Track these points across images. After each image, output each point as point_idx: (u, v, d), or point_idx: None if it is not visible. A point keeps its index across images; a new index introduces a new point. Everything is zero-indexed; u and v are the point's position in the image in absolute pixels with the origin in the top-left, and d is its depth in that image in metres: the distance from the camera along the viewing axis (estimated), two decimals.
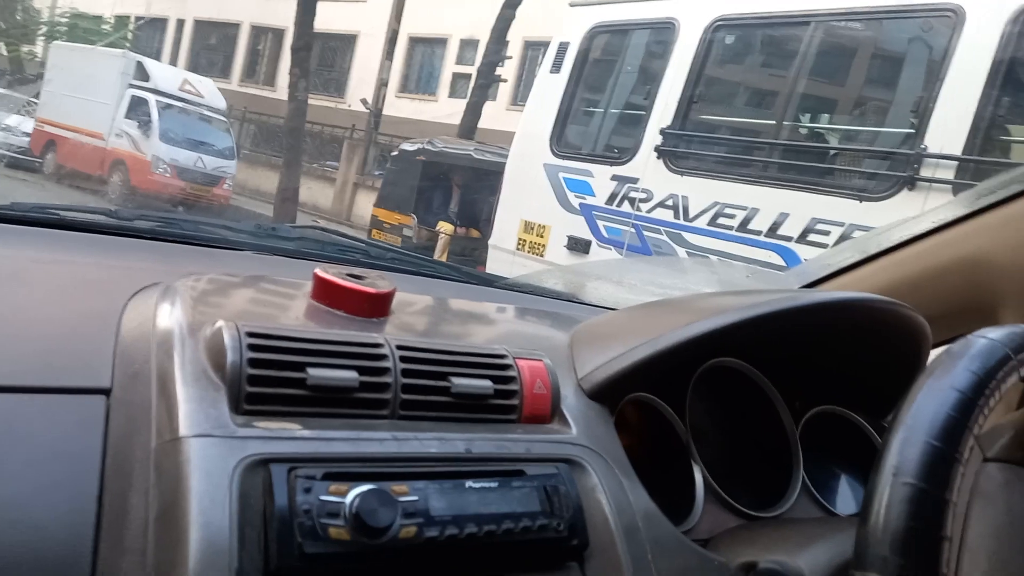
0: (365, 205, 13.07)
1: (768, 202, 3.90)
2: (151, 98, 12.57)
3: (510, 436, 0.68)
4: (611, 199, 4.59)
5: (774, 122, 4.28)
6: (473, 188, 8.38)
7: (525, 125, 5.32)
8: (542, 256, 4.90)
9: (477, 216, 8.22)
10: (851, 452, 0.98)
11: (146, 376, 0.60)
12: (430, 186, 8.42)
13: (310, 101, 11.99)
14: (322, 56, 20.95)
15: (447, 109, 16.56)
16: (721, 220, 4.07)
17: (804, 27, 4.11)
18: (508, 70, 16.44)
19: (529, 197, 5.09)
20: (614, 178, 4.60)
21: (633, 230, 4.45)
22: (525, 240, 5.07)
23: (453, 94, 18.82)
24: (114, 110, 12.71)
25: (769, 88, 4.58)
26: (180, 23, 25.51)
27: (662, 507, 0.72)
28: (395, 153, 9.09)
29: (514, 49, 17.14)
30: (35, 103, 14.67)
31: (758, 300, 0.87)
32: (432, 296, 1.01)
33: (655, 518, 0.70)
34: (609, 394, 0.78)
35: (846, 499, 0.95)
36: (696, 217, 4.18)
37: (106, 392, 0.60)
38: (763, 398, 0.93)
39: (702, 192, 4.17)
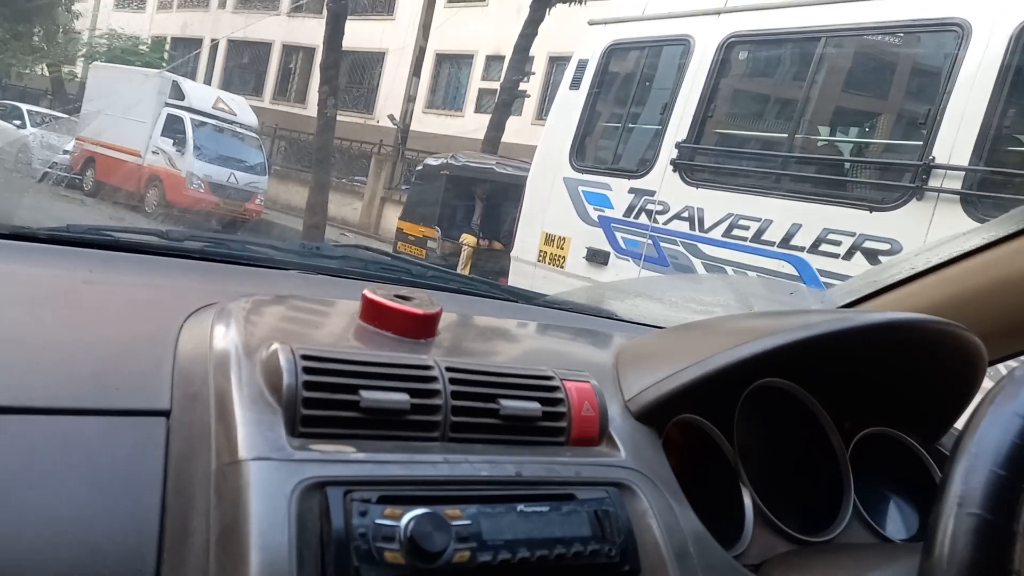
0: (392, 219, 13.28)
1: (781, 213, 3.96)
2: (186, 116, 12.93)
3: (559, 459, 0.67)
4: (629, 211, 4.70)
5: (786, 135, 4.36)
6: (496, 201, 8.52)
7: (546, 140, 5.44)
8: (562, 267, 5.03)
9: (499, 228, 8.35)
10: (903, 475, 0.96)
11: (205, 398, 0.61)
12: (453, 199, 8.57)
13: (339, 117, 12.25)
14: (351, 73, 21.34)
15: (473, 124, 16.78)
16: (736, 231, 4.14)
17: (814, 43, 4.19)
18: (532, 85, 16.62)
19: (550, 210, 5.21)
20: (631, 191, 4.72)
21: (650, 242, 4.55)
22: (546, 252, 5.19)
23: (479, 109, 19.03)
24: (150, 128, 13.09)
25: (781, 102, 4.66)
26: (214, 43, 26.17)
27: (711, 531, 0.71)
28: (420, 168, 9.28)
29: (539, 64, 17.32)
30: (76, 122, 15.17)
31: (808, 321, 0.86)
32: (476, 315, 1.02)
33: (706, 542, 0.69)
34: (657, 416, 0.77)
35: (898, 523, 0.94)
36: (711, 228, 4.26)
37: (166, 414, 0.61)
38: (812, 419, 0.92)
39: (717, 204, 4.26)
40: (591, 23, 5.37)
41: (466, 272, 7.93)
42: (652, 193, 4.58)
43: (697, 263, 4.30)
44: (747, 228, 4.09)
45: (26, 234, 0.90)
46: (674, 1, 4.88)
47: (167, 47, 25.59)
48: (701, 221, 4.31)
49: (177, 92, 13.49)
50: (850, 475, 0.89)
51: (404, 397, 0.62)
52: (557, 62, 18.27)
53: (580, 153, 5.12)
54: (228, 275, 0.98)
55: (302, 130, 17.59)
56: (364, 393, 0.61)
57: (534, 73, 14.47)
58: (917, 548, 0.57)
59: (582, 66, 5.19)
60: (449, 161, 8.65)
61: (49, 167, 14.03)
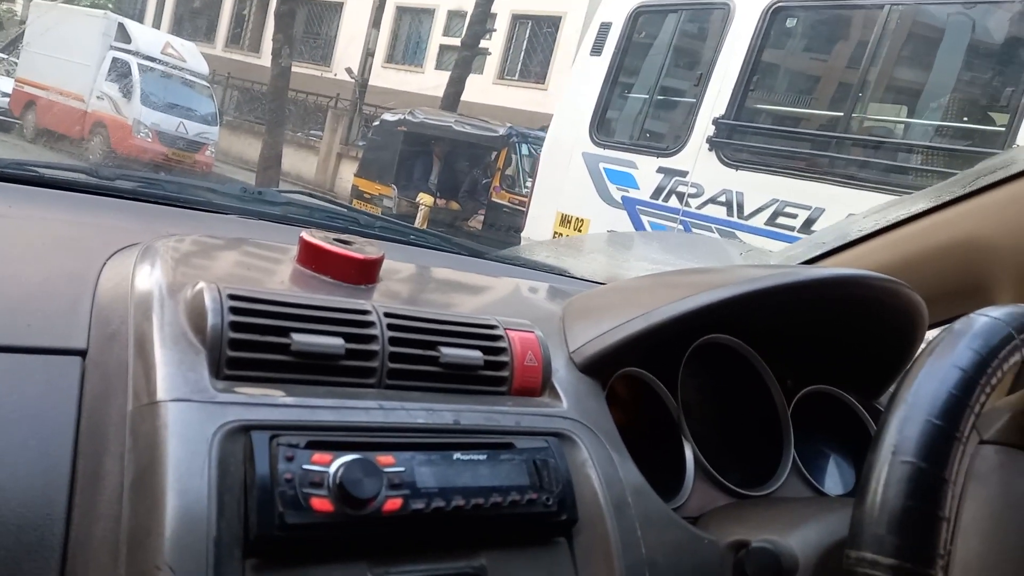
0: (349, 175, 13.02)
1: (834, 201, 3.58)
2: (133, 61, 12.42)
3: (499, 408, 0.66)
4: (657, 193, 4.31)
5: (842, 114, 3.97)
6: (453, 160, 8.43)
7: (562, 111, 5.02)
8: None
9: (457, 188, 8.28)
10: (842, 432, 0.97)
11: (123, 338, 0.58)
12: (411, 157, 8.46)
13: (295, 69, 11.91)
14: (308, 23, 20.70)
15: (433, 81, 16.47)
16: (781, 220, 3.77)
17: (877, 11, 3.80)
18: (495, 44, 16.35)
19: (566, 188, 4.80)
20: (660, 170, 4.32)
21: (680, 227, 4.17)
22: (561, 234, 4.78)
23: (440, 66, 18.68)
24: (95, 72, 12.54)
25: (836, 77, 4.26)
26: None
27: (652, 484, 0.71)
28: (376, 123, 9.11)
29: (502, 22, 17.03)
30: (15, 63, 14.44)
31: (755, 274, 0.86)
32: (421, 265, 0.99)
33: (645, 494, 0.69)
34: (601, 368, 0.76)
35: (836, 479, 0.95)
36: (752, 215, 3.89)
37: (82, 353, 0.58)
38: (755, 376, 0.92)
39: (760, 188, 3.88)
40: None
41: None
42: (684, 173, 4.20)
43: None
44: (794, 217, 3.73)
45: None
46: None
47: None
48: (741, 207, 3.94)
49: (124, 35, 12.91)
50: (791, 431, 0.90)
51: (338, 342, 0.60)
52: (520, 20, 18.00)
53: (601, 126, 4.72)
54: (161, 216, 0.93)
55: (256, 80, 17.06)
56: (296, 336, 0.58)
57: (496, 30, 14.23)
58: (851, 501, 0.57)
59: (605, 30, 4.77)
60: (407, 117, 8.51)
61: None
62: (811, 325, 0.93)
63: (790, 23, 4.20)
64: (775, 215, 3.81)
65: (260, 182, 11.48)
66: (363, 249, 0.74)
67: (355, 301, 0.65)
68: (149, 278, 0.62)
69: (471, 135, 8.13)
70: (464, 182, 8.27)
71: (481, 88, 15.49)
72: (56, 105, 12.61)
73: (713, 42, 4.30)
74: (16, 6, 21.59)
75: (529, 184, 7.84)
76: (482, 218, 7.79)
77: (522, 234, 5.15)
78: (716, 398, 0.93)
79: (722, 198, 4.03)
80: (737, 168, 4.02)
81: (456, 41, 15.93)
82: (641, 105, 4.85)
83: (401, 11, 19.79)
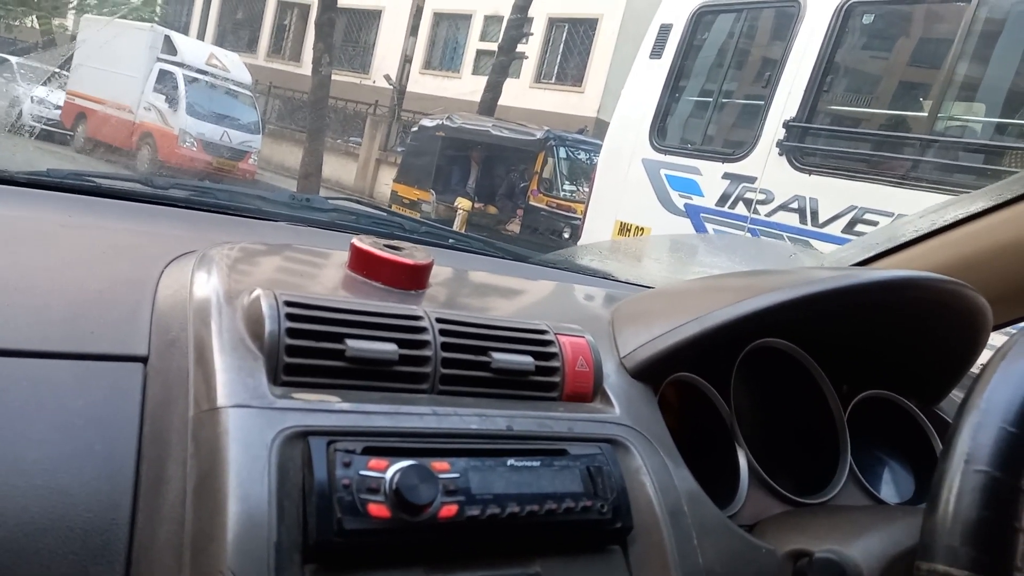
0: (388, 181, 13.17)
1: (918, 206, 3.02)
2: (178, 72, 12.73)
3: (552, 414, 0.66)
4: (723, 200, 4.11)
5: (925, 114, 3.74)
6: (491, 164, 8.46)
7: (620, 116, 4.84)
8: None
9: (495, 192, 8.30)
10: (900, 439, 0.94)
11: (183, 344, 0.59)
12: (449, 162, 8.51)
13: (334, 77, 12.08)
14: (347, 32, 20.98)
15: (471, 86, 16.56)
16: (860, 227, 3.54)
17: (962, 5, 3.56)
18: (532, 48, 16.37)
19: (625, 195, 4.61)
20: (726, 176, 4.12)
21: (749, 235, 3.96)
22: None
23: (477, 71, 18.78)
24: (142, 83, 12.88)
25: (918, 76, 4.05)
26: None
27: (706, 490, 0.70)
28: (415, 128, 9.18)
29: (538, 26, 17.03)
30: (66, 75, 14.92)
31: (811, 277, 0.84)
32: (469, 270, 1.00)
33: (701, 501, 0.68)
34: (652, 373, 0.75)
35: (894, 487, 0.93)
36: (828, 223, 3.66)
37: (143, 360, 0.59)
38: (810, 381, 0.90)
39: (836, 194, 3.66)
40: None
41: None
42: (752, 179, 3.99)
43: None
44: (875, 224, 3.47)
45: (3, 178, 0.88)
46: None
47: (159, 1, 25.04)
48: (815, 214, 3.72)
49: (169, 47, 13.25)
50: (847, 437, 0.87)
51: (392, 347, 0.60)
52: (556, 23, 18.00)
53: (662, 131, 4.53)
54: (213, 224, 0.95)
55: (297, 88, 17.34)
56: (350, 342, 0.59)
57: (532, 34, 14.24)
58: (914, 511, 0.56)
59: (665, 32, 4.57)
60: (444, 122, 8.56)
61: (39, 122, 13.85)
62: (868, 328, 0.90)
63: (866, 20, 3.97)
64: (854, 222, 3.60)
65: (301, 188, 11.67)
66: (412, 255, 0.75)
67: (407, 307, 0.65)
68: (206, 285, 0.63)
69: (508, 139, 8.15)
70: (502, 186, 8.29)
71: (518, 92, 15.53)
72: (105, 116, 12.99)
73: (782, 42, 4.09)
74: (67, 21, 22.31)
75: (566, 187, 7.82)
76: (520, 221, 7.79)
77: (579, 243, 4.90)
78: (769, 403, 0.91)
79: (794, 205, 3.83)
80: (810, 173, 3.81)
81: (493, 46, 15.99)
82: (705, 109, 4.66)
83: (438, 17, 19.94)
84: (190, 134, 12.39)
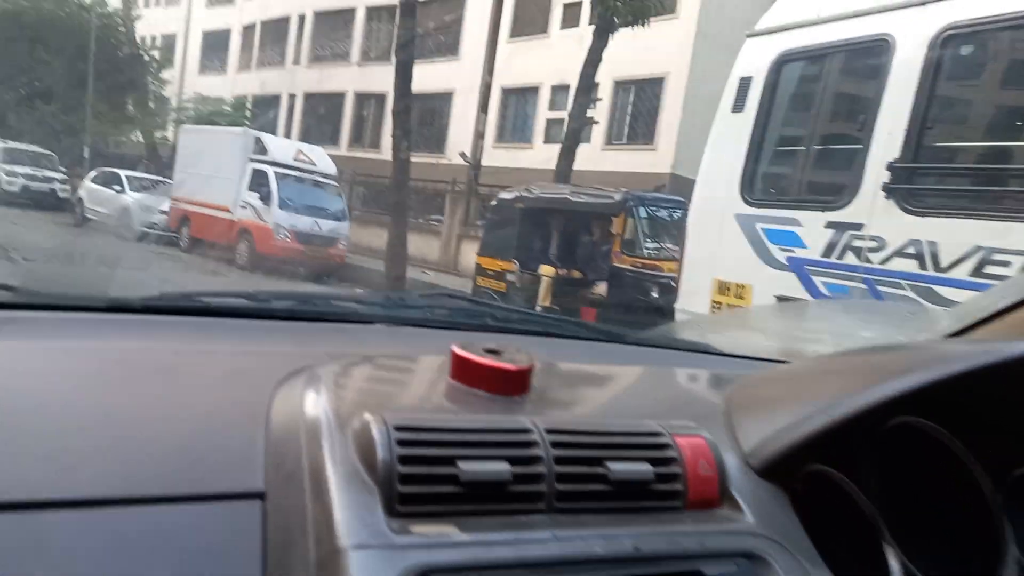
0: (469, 254, 13.49)
1: None
2: (269, 170, 13.53)
3: (680, 528, 0.62)
4: (828, 250, 3.89)
5: None
6: (572, 230, 8.53)
7: (706, 173, 4.70)
8: None
9: (577, 257, 8.34)
10: None
11: (299, 477, 0.59)
12: (530, 231, 8.62)
13: (412, 159, 12.57)
14: (421, 115, 21.90)
15: (543, 155, 16.91)
16: (990, 269, 3.29)
17: None
18: (600, 111, 16.64)
19: (720, 253, 4.45)
20: (830, 225, 3.91)
21: (864, 286, 3.73)
22: (721, 302, 4.40)
23: (548, 139, 19.18)
24: (238, 184, 13.76)
25: None
26: (291, 97, 27.45)
27: None
28: (494, 202, 9.38)
29: (605, 90, 17.35)
30: (169, 183, 16.12)
31: (944, 354, 0.79)
32: (567, 362, 0.99)
33: None
34: (782, 471, 0.70)
35: None
36: (952, 266, 3.42)
37: (261, 496, 0.59)
38: (953, 460, 0.82)
39: (956, 235, 3.43)
40: (751, 35, 4.61)
41: (547, 303, 7.94)
42: (858, 226, 3.78)
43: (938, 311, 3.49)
44: (1008, 265, 3.22)
45: (122, 305, 0.92)
46: None
47: (248, 105, 26.95)
48: (935, 258, 3.48)
49: (260, 147, 14.16)
50: (1004, 524, 0.78)
51: (504, 467, 0.59)
52: (622, 86, 18.29)
53: (753, 185, 4.38)
54: (316, 334, 0.99)
55: (378, 174, 18.11)
56: (462, 464, 0.58)
57: (601, 99, 14.49)
58: None
59: (745, 85, 4.44)
60: (523, 194, 8.72)
61: (148, 228, 14.97)
62: (1010, 401, 0.83)
63: (965, 50, 3.75)
64: (981, 264, 3.32)
65: (388, 269, 12.07)
66: (513, 358, 0.74)
67: (514, 419, 0.64)
68: (316, 409, 0.64)
69: (588, 204, 8.22)
70: (584, 250, 8.34)
71: (590, 155, 15.74)
72: (206, 217, 13.90)
73: (874, 81, 3.89)
74: (168, 133, 24.23)
75: (649, 245, 7.79)
76: (605, 285, 7.78)
77: (676, 305, 4.77)
78: (907, 488, 0.84)
79: (910, 250, 3.58)
80: (924, 215, 3.58)
81: (561, 114, 16.33)
82: (797, 158, 4.49)
83: (507, 92, 20.59)
84: (283, 227, 13.08)
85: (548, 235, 8.69)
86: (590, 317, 7.58)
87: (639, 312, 7.12)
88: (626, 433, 0.66)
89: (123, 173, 16.90)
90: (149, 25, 28.81)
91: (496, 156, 19.01)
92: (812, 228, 3.99)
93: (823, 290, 3.88)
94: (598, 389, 0.92)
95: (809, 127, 4.41)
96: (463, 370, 0.73)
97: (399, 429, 0.59)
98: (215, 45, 31.32)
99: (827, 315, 1.87)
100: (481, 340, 0.78)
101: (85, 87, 21.04)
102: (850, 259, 3.80)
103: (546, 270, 8.08)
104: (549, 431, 0.63)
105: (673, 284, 7.14)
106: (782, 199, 4.35)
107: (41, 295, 0.91)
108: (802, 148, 4.45)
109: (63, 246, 11.49)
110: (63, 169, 20.78)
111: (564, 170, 12.06)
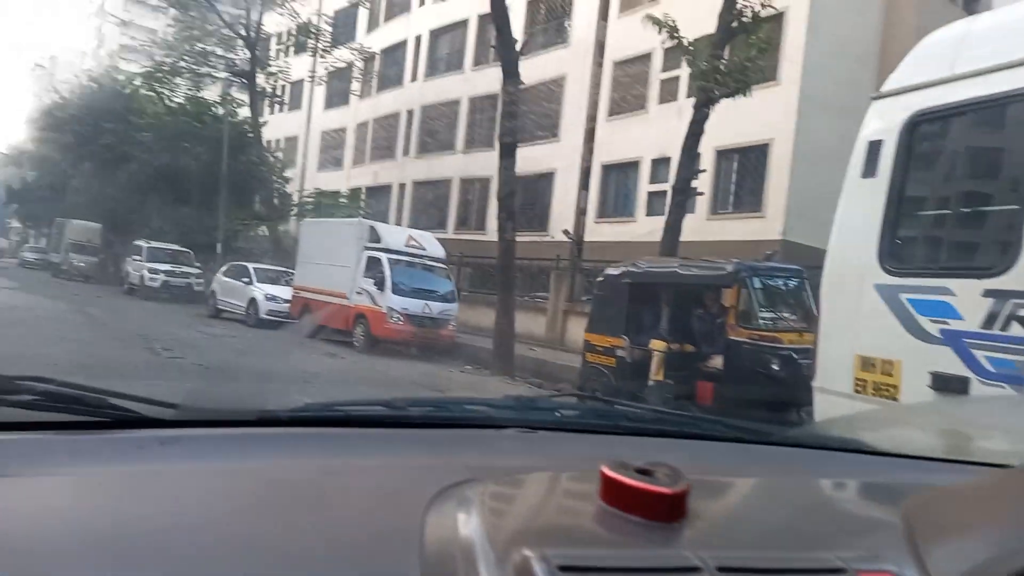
0: (575, 330, 13.49)
1: None
2: (383, 257, 14.23)
3: None
4: (989, 321, 3.59)
5: None
6: (682, 303, 8.38)
7: (838, 242, 4.41)
8: (896, 400, 3.86)
9: (689, 331, 8.16)
10: None
11: None
12: (639, 306, 8.54)
13: (517, 238, 12.87)
14: (524, 195, 22.47)
15: (646, 228, 16.89)
16: None
17: None
18: (703, 181, 16.55)
19: (861, 326, 4.19)
20: (988, 293, 3.62)
21: None
22: (866, 380, 4.10)
23: (650, 212, 19.16)
24: (354, 271, 14.51)
25: None
26: (401, 187, 28.92)
27: None
28: (601, 279, 9.38)
29: (707, 160, 17.29)
30: (292, 273, 17.16)
31: None
32: (709, 464, 0.95)
33: None
34: None
35: None
36: None
37: None
38: None
39: None
40: (877, 97, 4.41)
41: (659, 377, 7.76)
42: (1023, 294, 3.52)
43: None
44: None
45: (271, 419, 0.96)
46: (996, 51, 3.79)
47: (363, 196, 28.57)
48: None
49: (374, 236, 14.95)
50: None
51: None
52: (725, 155, 18.16)
53: (894, 253, 4.09)
54: (454, 443, 1.01)
55: (485, 254, 18.60)
56: None
57: (704, 170, 14.42)
58: None
59: (875, 149, 4.23)
60: (630, 269, 8.70)
61: (274, 315, 15.92)
62: None
63: None
64: None
65: (496, 347, 12.23)
66: (666, 480, 0.70)
67: (680, 554, 0.60)
68: (471, 536, 0.63)
69: (699, 276, 8.09)
70: (696, 324, 8.15)
71: (696, 225, 15.57)
72: (325, 305, 14.64)
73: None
74: (290, 226, 25.93)
75: (766, 316, 7.52)
76: (721, 358, 7.53)
77: (814, 384, 4.48)
78: None
79: None
80: None
81: (663, 186, 16.36)
82: (942, 222, 4.21)
83: (607, 169, 20.86)
84: (396, 311, 13.60)
85: (658, 309, 8.57)
86: (707, 391, 7.33)
87: (759, 384, 6.83)
88: (804, 571, 0.61)
89: (251, 266, 18.14)
90: (274, 128, 31.37)
91: (599, 231, 19.14)
92: (968, 297, 3.67)
93: (987, 365, 3.53)
94: (757, 509, 0.87)
95: (953, 189, 4.15)
96: (615, 494, 0.70)
97: (563, 569, 0.56)
98: (332, 143, 33.66)
99: (995, 409, 1.68)
100: (618, 447, 0.77)
101: (218, 189, 22.98)
102: (1016, 330, 3.44)
103: (657, 344, 7.93)
104: (721, 569, 0.58)
105: (795, 356, 6.88)
106: (929, 267, 4.05)
107: (199, 411, 0.96)
108: (947, 212, 4.17)
109: (202, 342, 12.28)
110: (198, 264, 22.59)
111: (670, 243, 11.96)
